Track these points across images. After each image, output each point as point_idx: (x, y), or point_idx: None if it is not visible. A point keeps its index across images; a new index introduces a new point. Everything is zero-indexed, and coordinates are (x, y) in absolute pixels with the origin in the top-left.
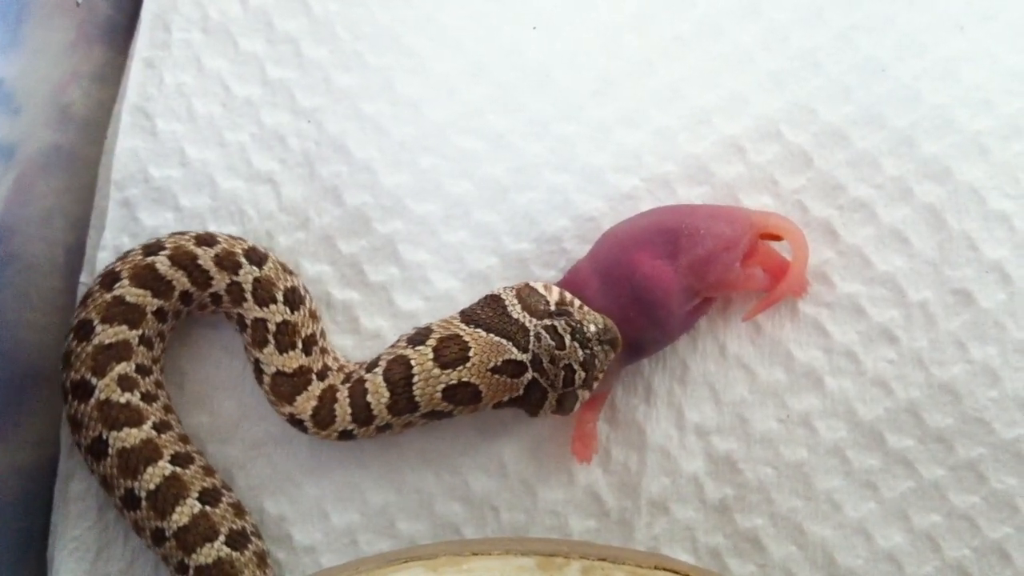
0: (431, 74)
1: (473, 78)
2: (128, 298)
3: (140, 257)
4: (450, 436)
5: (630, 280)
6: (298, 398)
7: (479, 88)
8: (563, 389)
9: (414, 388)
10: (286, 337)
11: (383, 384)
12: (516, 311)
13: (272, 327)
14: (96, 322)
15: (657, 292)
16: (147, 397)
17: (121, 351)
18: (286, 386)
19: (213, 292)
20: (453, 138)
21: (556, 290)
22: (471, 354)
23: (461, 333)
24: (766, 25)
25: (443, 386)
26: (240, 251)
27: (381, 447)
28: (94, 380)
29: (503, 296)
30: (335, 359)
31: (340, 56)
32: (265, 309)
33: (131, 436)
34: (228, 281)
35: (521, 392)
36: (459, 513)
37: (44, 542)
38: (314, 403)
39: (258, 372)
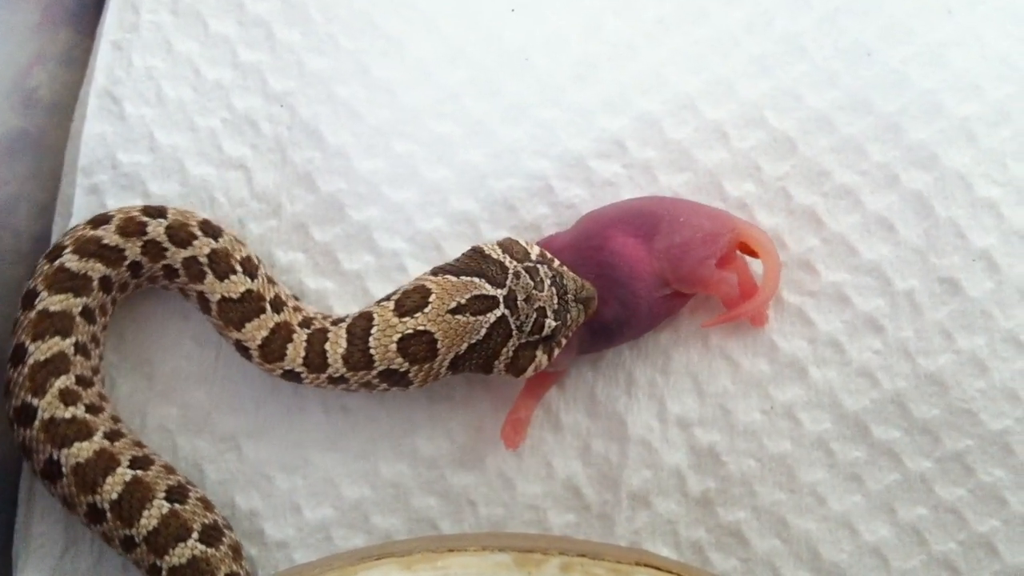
0: (406, 57)
1: (449, 62)
2: (52, 308)
3: (47, 264)
4: (427, 429)
5: (599, 254)
6: (247, 324)
7: (456, 72)
8: (528, 337)
9: (370, 339)
10: (222, 265)
11: (344, 335)
12: (496, 253)
13: (204, 253)
14: (27, 342)
15: (623, 268)
16: (92, 409)
17: (58, 364)
18: (234, 312)
19: (131, 263)
20: (429, 123)
21: (537, 248)
22: (431, 299)
23: (426, 283)
24: (750, 8)
25: (399, 336)
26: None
27: (356, 440)
28: (35, 401)
29: (483, 246)
30: (295, 301)
31: (313, 39)
32: (190, 247)
33: (83, 450)
34: (138, 253)
35: (483, 334)
36: (435, 507)
37: (9, 538)
38: (265, 333)
39: (204, 304)
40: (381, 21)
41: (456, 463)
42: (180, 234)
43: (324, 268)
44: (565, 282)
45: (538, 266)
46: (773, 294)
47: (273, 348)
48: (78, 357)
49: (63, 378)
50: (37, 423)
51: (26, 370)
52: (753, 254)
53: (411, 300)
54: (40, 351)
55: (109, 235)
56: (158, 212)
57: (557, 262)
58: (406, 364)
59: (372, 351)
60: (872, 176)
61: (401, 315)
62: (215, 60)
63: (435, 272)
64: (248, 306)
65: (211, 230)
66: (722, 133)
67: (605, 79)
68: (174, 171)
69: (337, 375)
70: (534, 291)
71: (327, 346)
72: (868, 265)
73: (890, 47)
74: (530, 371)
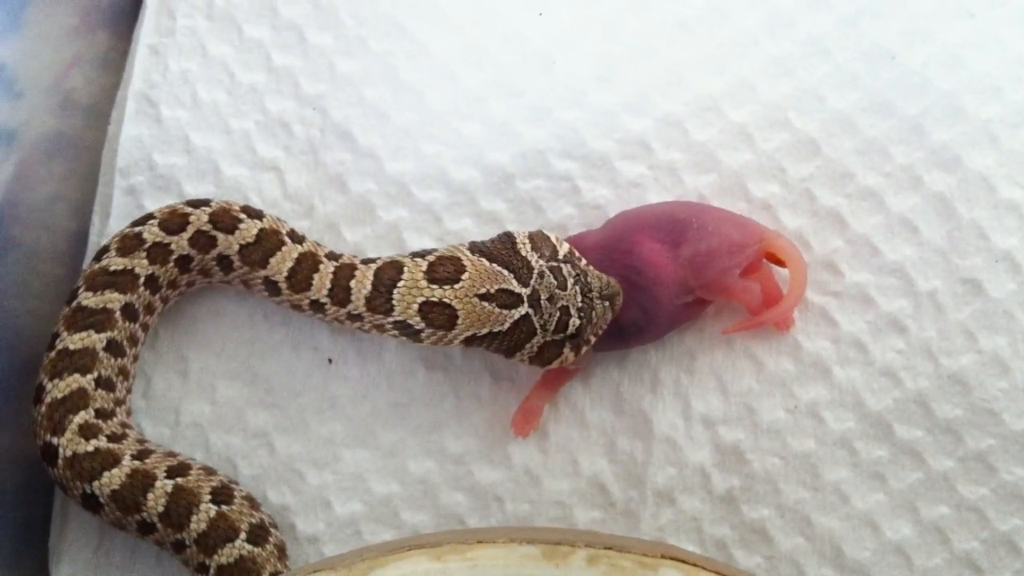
0: (433, 59)
1: (475, 63)
2: (72, 346)
3: (66, 307)
4: (454, 426)
5: (626, 257)
6: (271, 260)
7: (481, 73)
8: (552, 335)
9: (395, 292)
10: (226, 220)
11: (370, 277)
12: (525, 249)
13: (204, 221)
14: (46, 380)
15: (648, 274)
16: (114, 438)
17: (76, 400)
18: (256, 253)
19: (145, 278)
20: (455, 124)
21: (566, 244)
22: (464, 277)
23: (462, 257)
24: (771, 10)
25: (423, 299)
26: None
27: (385, 437)
28: (55, 440)
29: (515, 235)
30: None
31: (344, 42)
32: (189, 226)
33: (114, 477)
34: (146, 265)
35: (506, 327)
36: (463, 503)
37: (46, 530)
38: (290, 264)
39: (226, 264)
40: (408, 24)
41: (483, 460)
42: (173, 221)
43: None
44: (589, 280)
45: (562, 265)
46: (797, 304)
47: (300, 279)
48: (99, 391)
49: (81, 414)
50: (61, 461)
51: (43, 408)
52: (780, 263)
53: (444, 269)
54: (58, 389)
55: (113, 260)
56: (149, 218)
57: (584, 261)
58: (422, 324)
59: (395, 302)
60: (896, 178)
61: (431, 281)
62: (249, 64)
63: (472, 249)
64: (267, 243)
65: (200, 203)
66: (746, 135)
67: (627, 81)
68: (209, 172)
69: (356, 312)
70: (557, 290)
71: (352, 283)
72: (891, 266)
73: (911, 49)
74: (555, 364)
